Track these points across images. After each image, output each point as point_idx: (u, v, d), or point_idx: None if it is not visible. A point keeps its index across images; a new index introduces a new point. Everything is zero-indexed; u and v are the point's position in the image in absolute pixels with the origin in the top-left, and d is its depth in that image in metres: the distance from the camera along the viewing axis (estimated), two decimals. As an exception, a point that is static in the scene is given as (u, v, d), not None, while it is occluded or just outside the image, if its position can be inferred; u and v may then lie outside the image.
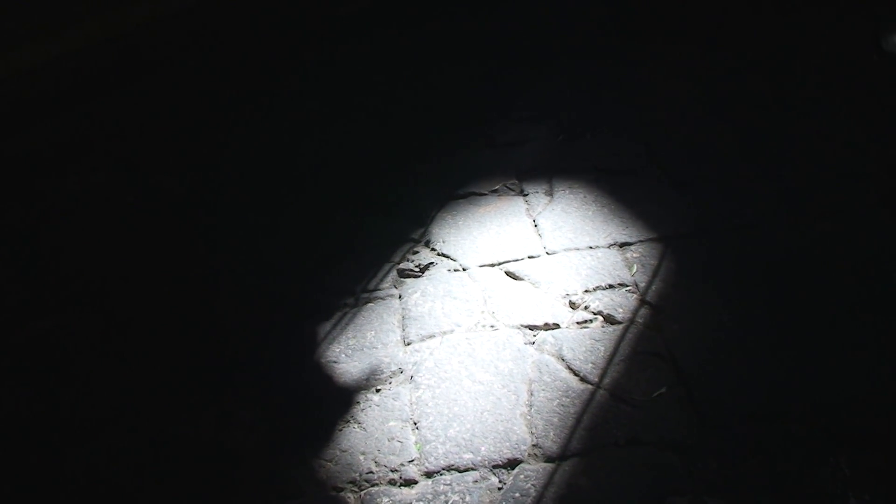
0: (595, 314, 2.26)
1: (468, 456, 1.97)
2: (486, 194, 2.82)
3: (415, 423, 2.06)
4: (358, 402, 2.14)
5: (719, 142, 2.92)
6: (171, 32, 4.05)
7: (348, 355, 2.25)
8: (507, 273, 2.45)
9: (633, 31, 3.83)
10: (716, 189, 2.67)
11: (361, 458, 2.01)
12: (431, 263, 2.54)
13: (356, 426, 2.08)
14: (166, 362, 2.32)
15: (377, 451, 2.02)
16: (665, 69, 3.47)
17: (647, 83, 3.39)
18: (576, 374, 2.11)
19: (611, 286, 2.34)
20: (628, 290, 2.32)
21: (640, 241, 2.48)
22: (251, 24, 4.31)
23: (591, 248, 2.49)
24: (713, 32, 3.70)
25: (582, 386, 2.08)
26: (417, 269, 2.52)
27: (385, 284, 2.49)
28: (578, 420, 2.01)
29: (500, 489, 1.90)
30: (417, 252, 2.59)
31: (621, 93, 3.34)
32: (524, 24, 4.06)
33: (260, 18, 4.36)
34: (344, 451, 2.03)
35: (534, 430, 2.00)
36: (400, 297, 2.43)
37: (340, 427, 2.08)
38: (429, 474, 1.95)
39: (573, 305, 2.29)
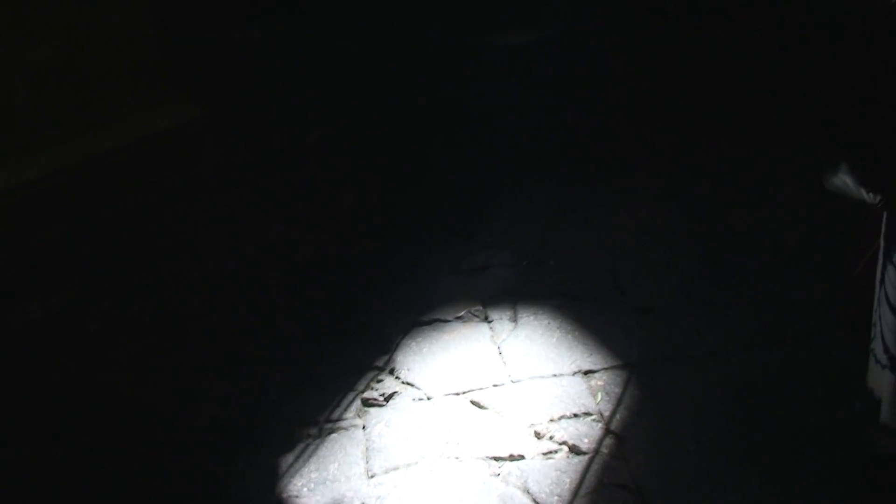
0: (560, 444, 2.28)
1: None
2: (450, 321, 2.86)
3: (378, 561, 2.03)
4: (320, 539, 2.11)
5: (682, 268, 3.01)
6: (138, 158, 4.14)
7: (311, 489, 2.24)
8: (472, 402, 2.47)
9: (595, 158, 3.98)
10: (679, 316, 2.74)
11: None
12: (396, 392, 2.55)
13: (317, 564, 2.05)
14: None
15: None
16: (627, 196, 3.59)
17: (610, 209, 3.50)
18: (542, 507, 2.11)
19: (576, 415, 2.37)
20: (593, 420, 2.35)
21: (605, 369, 2.53)
22: (223, 153, 4.42)
23: (555, 375, 2.53)
24: (676, 161, 3.85)
25: (548, 519, 2.09)
26: (382, 399, 2.53)
27: (349, 414, 2.50)
28: (545, 555, 2.00)
29: None
30: (382, 380, 2.61)
31: (584, 218, 3.44)
32: (487, 150, 4.19)
33: (231, 144, 4.48)
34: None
35: (500, 567, 1.99)
36: (364, 427, 2.44)
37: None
38: None
39: (538, 435, 2.31)
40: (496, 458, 2.26)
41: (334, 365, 2.71)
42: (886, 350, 1.79)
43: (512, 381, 2.53)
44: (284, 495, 2.23)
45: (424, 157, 4.17)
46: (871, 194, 1.39)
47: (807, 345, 2.53)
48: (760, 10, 5.59)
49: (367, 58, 5.50)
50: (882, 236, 1.75)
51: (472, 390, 2.52)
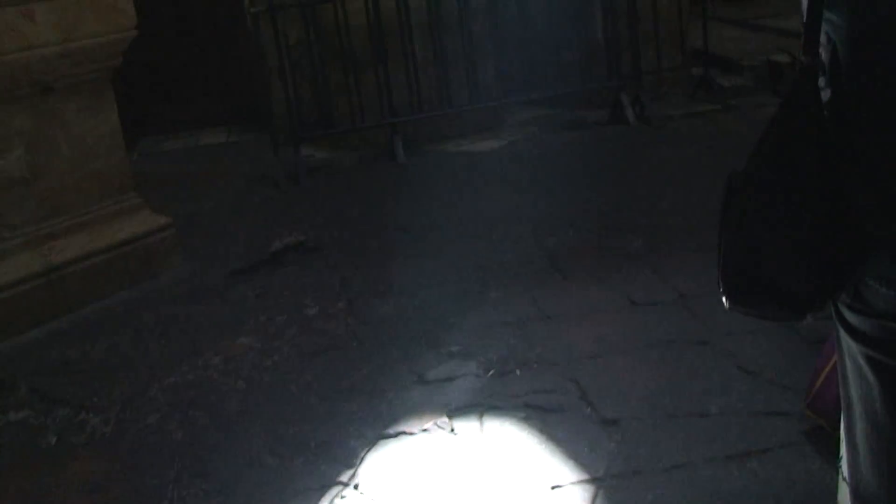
0: (528, 562, 2.25)
1: None
2: (416, 433, 2.85)
3: None
4: None
5: (649, 378, 3.04)
6: (101, 267, 4.15)
7: None
8: (438, 518, 2.45)
9: (561, 267, 4.04)
10: (644, 427, 2.76)
11: None
12: (360, 509, 2.52)
13: None
14: None
15: None
16: (592, 305, 3.65)
17: (575, 318, 3.55)
18: None
19: (543, 532, 2.35)
20: (561, 536, 2.33)
21: (572, 483, 2.52)
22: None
23: (522, 490, 2.52)
24: (641, 269, 3.93)
25: None
26: (345, 516, 2.50)
27: (311, 533, 2.46)
28: None
29: None
30: (345, 497, 2.58)
31: (550, 328, 3.48)
32: (453, 257, 4.25)
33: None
34: None
35: None
36: (326, 546, 2.40)
37: None
38: None
39: (505, 552, 2.29)
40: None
41: (297, 481, 2.68)
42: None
43: (479, 497, 2.51)
44: None
45: (389, 268, 4.21)
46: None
47: (774, 458, 2.54)
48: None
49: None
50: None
51: (438, 506, 2.49)
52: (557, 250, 4.23)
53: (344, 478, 2.66)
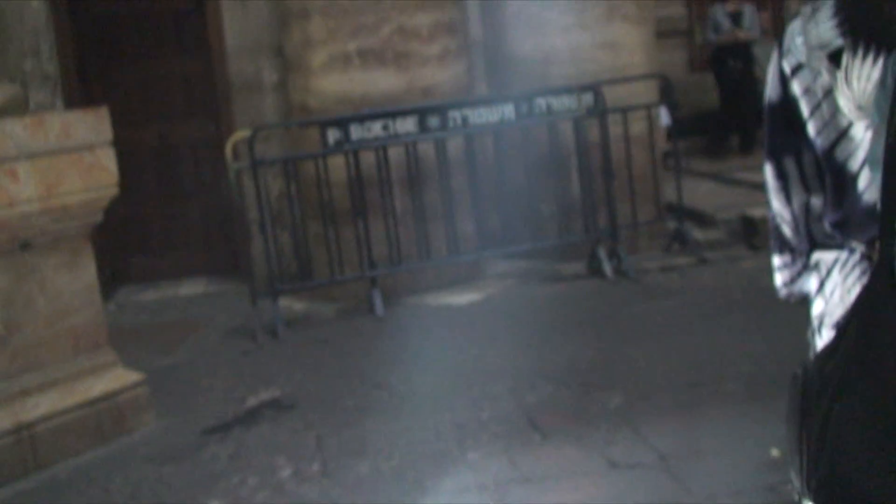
0: None
1: None
2: None
3: None
4: None
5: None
6: (72, 425, 4.09)
7: None
8: None
9: (540, 426, 4.02)
10: None
11: None
12: None
13: None
14: None
15: None
16: (573, 465, 3.61)
17: (555, 481, 3.51)
18: None
19: None
20: None
21: None
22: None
23: None
24: (621, 427, 3.91)
25: None
26: None
27: None
28: None
29: None
30: None
31: (529, 491, 3.43)
32: (430, 415, 4.22)
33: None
34: None
35: None
36: None
37: None
38: None
39: None
40: None
41: None
42: None
43: None
44: None
45: (366, 427, 4.18)
46: None
47: None
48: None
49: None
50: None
51: None
52: (536, 408, 4.21)
53: None
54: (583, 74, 6.35)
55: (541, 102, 6.03)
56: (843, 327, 1.16)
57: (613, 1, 6.44)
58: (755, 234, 6.60)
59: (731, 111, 9.26)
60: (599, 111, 6.15)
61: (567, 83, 6.23)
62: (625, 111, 6.23)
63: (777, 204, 1.73)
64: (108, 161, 4.28)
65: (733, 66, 9.01)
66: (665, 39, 9.05)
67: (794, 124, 1.57)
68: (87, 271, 4.34)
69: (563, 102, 6.07)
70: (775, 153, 1.68)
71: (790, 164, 1.65)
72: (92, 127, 4.22)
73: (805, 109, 1.49)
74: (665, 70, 7.38)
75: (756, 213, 6.71)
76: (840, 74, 1.37)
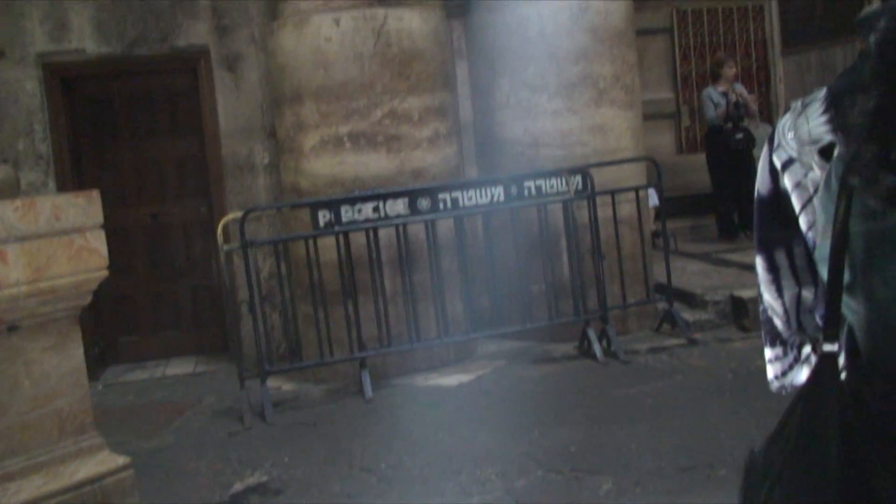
0: None
1: None
2: None
3: None
4: None
5: None
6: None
7: None
8: None
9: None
10: None
11: None
12: None
13: None
14: None
15: None
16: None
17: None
18: None
19: None
20: None
21: None
22: None
23: None
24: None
25: None
26: None
27: None
28: None
29: None
30: None
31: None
32: (419, 502, 4.18)
33: None
34: None
35: None
36: None
37: None
38: None
39: None
40: None
41: None
42: None
43: None
44: None
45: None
46: None
47: None
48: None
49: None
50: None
51: None
52: (526, 493, 4.17)
53: None
54: (572, 157, 6.45)
55: (530, 185, 6.11)
56: (788, 413, 1.20)
57: (602, 86, 6.57)
58: (745, 316, 6.63)
59: (726, 192, 9.08)
60: (588, 194, 6.23)
61: (556, 166, 6.33)
62: (613, 193, 6.32)
63: (768, 296, 1.75)
64: (98, 244, 4.30)
65: (735, 141, 8.89)
66: (652, 122, 9.23)
67: (785, 218, 1.60)
68: (75, 354, 4.32)
69: (553, 185, 6.15)
70: (766, 246, 1.70)
71: (781, 257, 1.67)
72: (83, 210, 4.25)
73: (796, 204, 1.50)
74: (652, 152, 7.51)
75: (745, 293, 6.75)
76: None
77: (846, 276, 1.20)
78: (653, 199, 7.32)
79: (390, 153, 6.08)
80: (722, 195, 9.16)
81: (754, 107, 9.20)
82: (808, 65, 14.41)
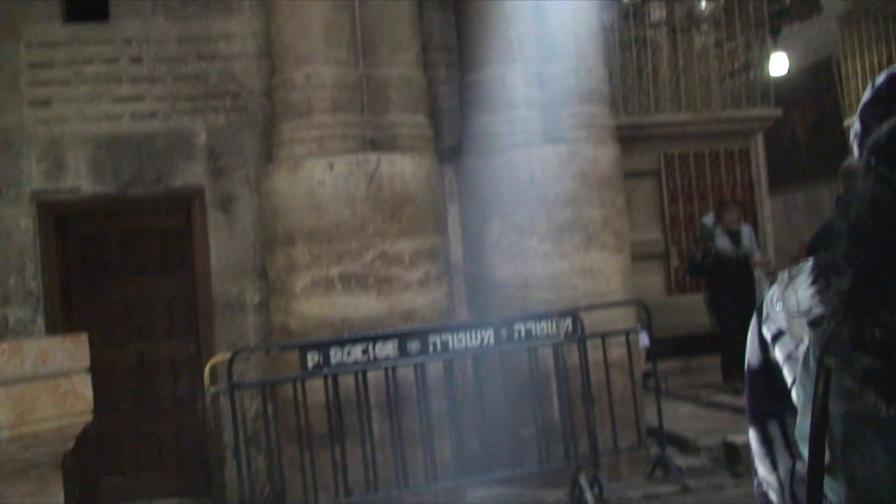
0: None
1: None
2: None
3: None
4: None
5: None
6: None
7: None
8: None
9: None
10: None
11: None
12: None
13: None
14: None
15: None
16: None
17: None
18: None
19: None
20: None
21: None
22: None
23: None
24: None
25: None
26: None
27: None
28: None
29: None
30: None
31: None
32: None
33: None
34: None
35: None
36: None
37: None
38: None
39: None
40: None
41: None
42: None
43: None
44: None
45: None
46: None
47: None
48: None
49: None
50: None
51: None
52: None
53: None
54: (562, 300, 6.51)
55: (520, 328, 6.14)
56: None
57: (591, 230, 6.69)
58: (738, 462, 6.56)
59: (730, 327, 8.54)
60: (578, 337, 6.26)
61: (546, 308, 6.38)
62: (604, 337, 6.35)
63: (763, 470, 1.74)
64: (84, 388, 4.27)
65: (737, 284, 8.66)
66: (641, 262, 9.34)
67: (777, 390, 1.59)
68: (55, 500, 4.24)
69: (543, 328, 6.19)
70: (759, 418, 1.70)
71: (774, 430, 1.67)
72: (70, 353, 4.24)
73: (788, 376, 1.49)
74: (642, 292, 7.59)
75: (738, 439, 6.69)
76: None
77: (826, 457, 1.21)
78: (643, 340, 7.36)
79: (381, 295, 6.13)
80: (727, 333, 8.63)
81: (766, 264, 9.11)
82: (796, 204, 14.76)
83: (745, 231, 9.14)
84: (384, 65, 6.53)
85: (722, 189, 10.72)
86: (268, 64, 6.83)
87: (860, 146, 1.40)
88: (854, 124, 1.45)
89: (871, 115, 1.39)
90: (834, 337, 1.19)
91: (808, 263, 1.48)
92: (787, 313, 1.46)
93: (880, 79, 1.43)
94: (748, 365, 1.68)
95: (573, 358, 6.30)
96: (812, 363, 1.26)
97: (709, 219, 9.18)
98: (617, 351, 6.56)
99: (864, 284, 1.17)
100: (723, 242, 8.79)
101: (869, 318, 1.14)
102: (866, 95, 1.44)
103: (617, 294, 6.81)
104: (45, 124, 6.88)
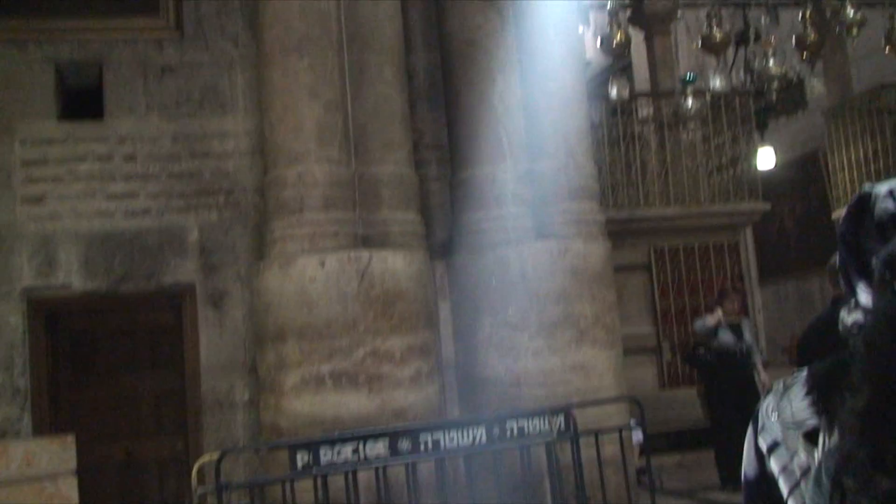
0: None
1: None
2: None
3: None
4: None
5: None
6: None
7: None
8: None
9: None
10: None
11: None
12: None
13: None
14: None
15: None
16: None
17: None
18: None
19: None
20: None
21: None
22: None
23: None
24: None
25: None
26: None
27: None
28: None
29: None
30: None
31: None
32: None
33: None
34: None
35: None
36: None
37: None
38: None
39: None
40: None
41: None
42: None
43: None
44: None
45: None
46: None
47: None
48: None
49: None
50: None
51: None
52: None
53: None
54: (554, 396, 6.49)
55: (512, 425, 6.10)
56: None
57: (583, 326, 6.72)
58: (736, 563, 6.45)
59: (726, 423, 8.19)
60: (571, 434, 6.22)
61: (538, 405, 6.35)
62: (597, 434, 6.30)
63: None
64: (69, 490, 4.26)
65: (735, 376, 8.44)
66: (633, 356, 9.34)
67: (774, 501, 1.58)
68: None
69: (535, 425, 6.14)
70: None
71: None
72: (56, 455, 4.24)
73: (784, 488, 1.47)
74: (635, 386, 7.57)
75: (736, 540, 6.60)
76: (817, 455, 1.40)
77: None
78: (637, 436, 7.31)
79: (371, 392, 6.11)
80: (723, 429, 8.22)
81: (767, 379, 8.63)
82: (786, 295, 14.85)
83: (747, 325, 8.99)
84: (376, 163, 6.64)
85: (713, 282, 10.81)
86: (261, 161, 6.94)
87: (847, 263, 1.41)
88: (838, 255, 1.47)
89: (855, 234, 1.41)
90: (850, 457, 1.18)
91: (802, 374, 1.48)
92: (781, 425, 1.46)
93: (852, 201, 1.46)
94: (745, 475, 1.67)
95: (566, 456, 6.24)
96: (826, 482, 1.25)
97: (707, 319, 8.80)
98: (610, 448, 6.51)
99: (883, 403, 1.16)
100: (724, 336, 8.62)
101: (888, 439, 1.14)
102: (844, 217, 1.48)
103: (610, 390, 6.80)
104: (37, 221, 6.94)
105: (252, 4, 7.04)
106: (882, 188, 1.44)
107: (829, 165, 12.48)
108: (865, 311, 1.42)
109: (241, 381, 6.88)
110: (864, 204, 1.43)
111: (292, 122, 6.46)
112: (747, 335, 8.81)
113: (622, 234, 9.41)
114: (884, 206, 1.41)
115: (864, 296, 1.44)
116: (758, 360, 8.88)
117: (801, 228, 14.57)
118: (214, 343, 6.94)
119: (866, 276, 1.42)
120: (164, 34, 7.23)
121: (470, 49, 7.09)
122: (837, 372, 1.37)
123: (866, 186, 1.49)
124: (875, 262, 1.33)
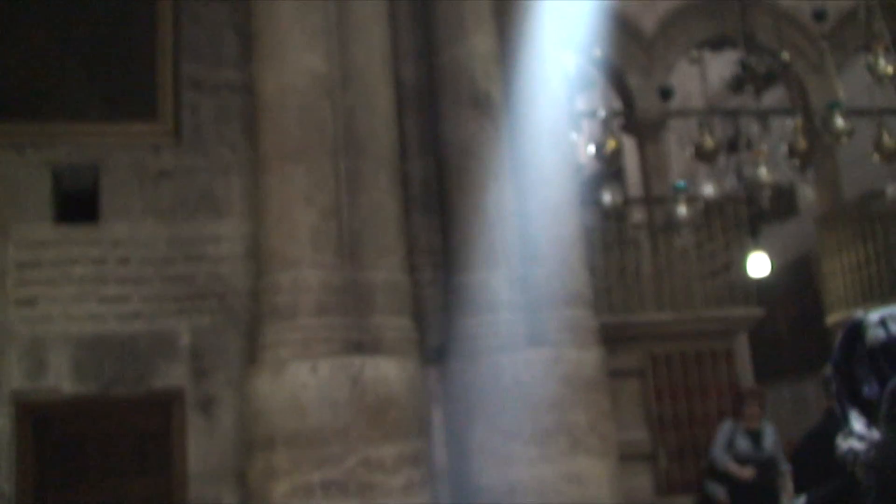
0: None
1: None
2: None
3: None
4: None
5: None
6: None
7: None
8: None
9: None
10: None
11: None
12: None
13: None
14: None
15: None
16: None
17: None
18: None
19: None
20: None
21: None
22: None
23: None
24: None
25: None
26: None
27: None
28: None
29: None
30: None
31: None
32: None
33: None
34: None
35: None
36: None
37: None
38: None
39: None
40: None
41: None
42: None
43: None
44: None
45: None
46: None
47: None
48: None
49: None
50: None
51: None
52: None
53: None
54: (548, 507, 6.40)
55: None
56: None
57: (577, 434, 6.66)
58: None
59: None
60: (566, 550, 6.11)
61: (532, 516, 6.26)
62: (592, 550, 6.20)
63: None
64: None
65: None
66: (629, 463, 9.20)
67: None
68: None
69: (529, 539, 6.05)
70: None
71: None
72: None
73: None
74: (630, 494, 7.46)
75: None
76: None
77: None
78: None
79: (362, 502, 6.01)
80: None
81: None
82: (782, 399, 14.75)
83: (769, 430, 8.11)
84: (370, 268, 6.68)
85: (709, 387, 10.74)
86: (255, 265, 6.97)
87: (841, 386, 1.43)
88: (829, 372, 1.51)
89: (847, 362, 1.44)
90: None
91: (801, 501, 1.51)
92: None
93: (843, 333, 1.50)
94: None
95: (561, 570, 6.13)
96: None
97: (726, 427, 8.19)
98: (607, 561, 6.39)
99: None
100: (742, 444, 7.93)
101: None
102: (837, 345, 1.51)
103: (605, 500, 6.71)
104: (28, 323, 6.92)
105: (250, 111, 7.18)
106: (873, 317, 1.47)
107: (822, 271, 12.56)
108: (860, 437, 1.44)
109: (228, 489, 6.77)
110: (855, 332, 1.47)
111: (287, 227, 6.53)
112: (768, 443, 8.01)
113: (616, 339, 9.39)
114: (874, 334, 1.44)
115: (858, 424, 1.46)
116: (786, 472, 7.55)
117: (796, 333, 14.58)
118: (203, 449, 6.84)
119: (858, 404, 1.45)
120: (161, 139, 7.34)
121: (464, 157, 7.22)
122: (836, 500, 1.39)
123: (858, 314, 1.53)
124: (884, 396, 1.36)
